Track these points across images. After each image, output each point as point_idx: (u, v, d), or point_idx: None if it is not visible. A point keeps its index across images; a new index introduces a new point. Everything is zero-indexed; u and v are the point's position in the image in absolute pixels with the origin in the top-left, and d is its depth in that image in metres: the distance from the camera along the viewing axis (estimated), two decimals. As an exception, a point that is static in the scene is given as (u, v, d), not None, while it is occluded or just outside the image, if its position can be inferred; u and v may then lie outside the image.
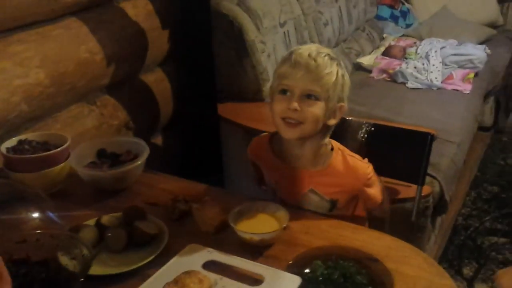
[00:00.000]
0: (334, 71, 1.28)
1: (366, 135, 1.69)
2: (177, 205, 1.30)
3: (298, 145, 1.35)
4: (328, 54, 1.29)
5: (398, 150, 1.71)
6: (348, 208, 1.44)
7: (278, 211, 1.26)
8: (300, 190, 1.39)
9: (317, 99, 1.27)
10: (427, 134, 1.69)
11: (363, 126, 1.69)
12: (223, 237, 1.22)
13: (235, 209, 1.24)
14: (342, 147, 1.40)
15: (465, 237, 2.68)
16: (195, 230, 1.26)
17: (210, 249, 1.16)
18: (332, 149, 1.37)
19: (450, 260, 2.53)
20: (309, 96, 1.27)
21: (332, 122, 1.33)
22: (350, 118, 1.71)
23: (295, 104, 1.26)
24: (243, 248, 1.18)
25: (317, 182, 1.37)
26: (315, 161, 1.37)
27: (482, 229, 2.74)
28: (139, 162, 1.42)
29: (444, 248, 2.59)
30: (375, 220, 1.53)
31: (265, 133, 1.49)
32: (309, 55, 1.27)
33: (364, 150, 1.52)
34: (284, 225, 1.21)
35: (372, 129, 1.69)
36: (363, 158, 1.41)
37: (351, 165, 1.36)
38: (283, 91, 1.29)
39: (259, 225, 1.22)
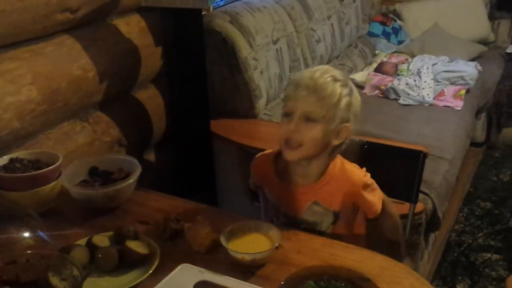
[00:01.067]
0: (336, 92, 1.27)
1: (359, 152, 1.69)
2: (168, 224, 1.29)
3: (303, 165, 1.37)
4: (333, 76, 1.29)
5: (391, 167, 1.71)
6: (349, 219, 1.44)
7: (270, 230, 1.25)
8: (304, 204, 1.40)
9: (316, 121, 1.28)
10: (420, 152, 1.70)
11: (357, 143, 1.69)
12: (215, 257, 1.22)
13: (227, 229, 1.24)
14: (345, 160, 1.42)
15: (458, 254, 2.68)
16: (186, 249, 1.25)
17: (201, 269, 1.16)
18: (332, 160, 1.39)
19: (443, 277, 2.52)
20: (308, 119, 1.28)
21: (336, 142, 1.34)
22: None
23: (292, 126, 1.28)
24: (235, 268, 1.17)
25: (320, 194, 1.38)
26: (316, 176, 1.38)
27: (475, 245, 2.74)
28: (131, 181, 1.42)
29: (438, 264, 2.58)
30: (390, 245, 1.51)
31: (269, 151, 1.49)
32: (311, 77, 1.27)
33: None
34: (276, 245, 1.21)
35: (365, 146, 1.69)
36: None
37: (347, 169, 1.38)
38: (286, 114, 1.31)
39: (251, 244, 1.22)
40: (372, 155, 1.68)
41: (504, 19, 4.20)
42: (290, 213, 1.43)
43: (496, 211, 3.02)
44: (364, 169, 1.42)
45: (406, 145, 1.87)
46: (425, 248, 2.30)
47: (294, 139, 1.29)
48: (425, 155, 1.69)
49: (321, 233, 1.40)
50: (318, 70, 1.30)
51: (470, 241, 2.77)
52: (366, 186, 1.39)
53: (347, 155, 1.56)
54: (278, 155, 1.43)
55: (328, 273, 1.14)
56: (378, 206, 1.42)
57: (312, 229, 1.41)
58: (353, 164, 1.42)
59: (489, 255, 2.66)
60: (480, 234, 2.82)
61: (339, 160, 1.40)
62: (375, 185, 1.42)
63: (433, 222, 2.22)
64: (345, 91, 1.30)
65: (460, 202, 3.08)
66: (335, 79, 1.29)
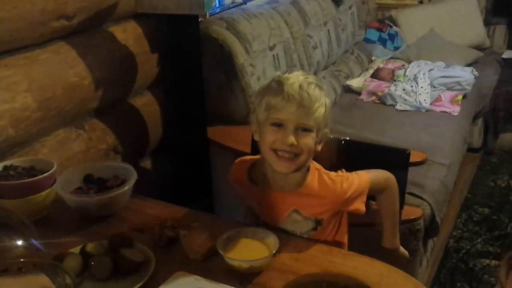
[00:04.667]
0: (323, 102, 1.28)
1: (337, 151, 1.63)
2: (164, 232, 1.28)
3: (285, 174, 1.32)
4: (317, 84, 1.29)
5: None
6: (331, 225, 1.41)
7: (267, 237, 1.24)
8: (283, 212, 1.37)
9: (310, 131, 1.27)
10: (403, 151, 1.63)
11: (333, 141, 1.62)
12: (211, 265, 1.20)
13: (223, 236, 1.22)
14: (319, 166, 1.38)
15: (457, 260, 2.66)
16: (182, 257, 1.23)
17: (197, 277, 1.14)
18: (308, 169, 1.36)
19: (442, 283, 2.50)
20: (303, 129, 1.26)
21: (319, 148, 1.33)
22: None
23: (292, 138, 1.25)
24: (231, 275, 1.16)
25: (299, 203, 1.36)
26: (295, 184, 1.36)
27: (474, 251, 2.72)
28: (126, 188, 1.41)
29: (436, 271, 2.57)
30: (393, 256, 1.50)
31: (246, 158, 1.47)
32: (301, 87, 1.25)
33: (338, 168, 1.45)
34: (274, 252, 1.20)
35: (343, 143, 1.63)
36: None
37: (327, 183, 1.34)
38: (276, 124, 1.27)
39: (248, 251, 1.20)
40: (352, 156, 1.62)
41: (499, 24, 4.21)
42: (270, 221, 1.40)
43: (494, 217, 3.01)
44: (343, 170, 1.38)
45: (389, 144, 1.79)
46: (423, 254, 2.29)
47: (292, 151, 1.26)
48: (409, 155, 1.61)
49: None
50: (301, 78, 1.28)
51: (468, 247, 2.75)
52: (346, 196, 1.34)
53: (326, 155, 1.50)
54: (254, 163, 1.42)
55: (327, 280, 1.13)
56: (362, 209, 1.37)
57: None
58: (331, 174, 1.37)
59: (487, 261, 2.64)
60: (479, 240, 2.81)
61: (317, 171, 1.36)
62: (359, 187, 1.35)
63: (431, 228, 2.21)
64: (328, 101, 1.31)
65: (458, 208, 3.06)
66: (320, 88, 1.29)
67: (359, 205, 1.37)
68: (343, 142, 1.63)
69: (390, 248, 1.51)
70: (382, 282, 1.13)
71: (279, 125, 1.26)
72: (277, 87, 1.27)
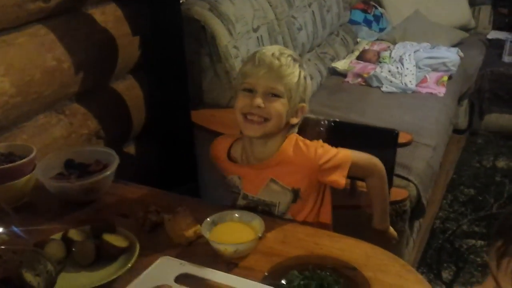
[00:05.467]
0: (296, 72, 1.32)
1: (326, 132, 1.62)
2: (148, 217, 1.26)
3: (260, 144, 1.36)
4: (291, 55, 1.34)
5: (364, 150, 1.63)
6: (311, 199, 1.41)
7: (253, 220, 1.22)
8: (262, 182, 1.39)
9: (280, 96, 1.30)
10: (392, 131, 1.64)
11: (322, 123, 1.61)
12: (196, 249, 1.19)
13: (208, 219, 1.20)
14: (297, 136, 1.40)
15: (443, 241, 2.67)
16: (167, 242, 1.21)
17: (182, 261, 1.12)
18: (285, 139, 1.38)
19: (429, 264, 2.51)
20: (272, 94, 1.29)
21: (294, 121, 1.36)
22: (308, 115, 1.61)
23: (259, 100, 1.28)
24: (217, 259, 1.14)
25: (275, 172, 1.37)
26: (272, 154, 1.37)
27: (460, 232, 2.74)
28: (109, 173, 1.38)
29: (423, 252, 2.58)
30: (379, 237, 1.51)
31: (227, 135, 1.50)
32: (273, 54, 1.30)
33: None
34: (260, 235, 1.18)
35: (332, 124, 1.62)
36: None
37: (301, 148, 1.35)
38: (247, 90, 1.31)
39: (233, 235, 1.19)
40: (340, 137, 1.57)
41: (484, 5, 4.21)
42: (250, 193, 1.41)
43: (480, 197, 3.02)
44: (320, 141, 1.38)
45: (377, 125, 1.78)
46: (410, 235, 2.29)
47: (260, 114, 1.29)
48: (397, 134, 1.62)
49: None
50: (276, 49, 1.33)
51: (454, 228, 2.76)
52: (324, 164, 1.33)
53: (315, 136, 1.49)
54: (236, 140, 1.44)
55: (313, 262, 1.12)
56: (341, 182, 1.36)
57: (270, 212, 1.39)
58: (307, 140, 1.38)
59: (473, 241, 2.66)
60: (465, 221, 2.82)
61: (294, 137, 1.38)
62: (337, 158, 1.35)
63: (417, 209, 2.21)
64: (303, 72, 1.34)
65: (444, 189, 3.07)
66: (294, 59, 1.33)
67: (338, 178, 1.35)
68: (332, 123, 1.63)
69: (380, 229, 1.52)
70: (368, 263, 1.12)
71: (250, 90, 1.30)
72: (251, 56, 1.34)
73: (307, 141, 1.37)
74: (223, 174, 1.48)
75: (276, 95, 1.29)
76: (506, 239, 0.79)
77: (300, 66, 1.34)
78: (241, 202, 1.43)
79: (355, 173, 1.42)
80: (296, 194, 1.38)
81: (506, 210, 0.98)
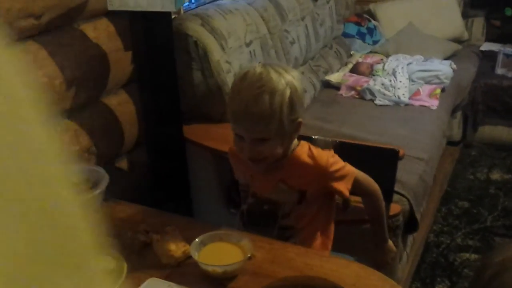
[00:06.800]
0: (277, 107, 1.27)
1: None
2: (137, 236, 1.25)
3: None
4: (270, 89, 1.27)
5: (365, 168, 1.69)
6: (316, 204, 1.43)
7: (241, 240, 1.21)
8: (271, 183, 1.41)
9: (267, 139, 1.30)
10: (393, 151, 1.68)
11: (330, 144, 1.67)
12: (185, 270, 1.18)
13: (197, 240, 1.20)
14: (309, 144, 1.43)
15: (437, 255, 2.67)
16: (156, 262, 1.20)
17: (171, 283, 1.12)
18: (297, 145, 1.41)
19: (423, 278, 2.51)
20: (261, 140, 1.30)
21: (294, 136, 1.38)
22: (316, 137, 1.69)
23: (248, 153, 1.31)
24: (205, 280, 1.14)
25: (285, 174, 1.39)
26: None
27: (454, 245, 2.73)
28: (98, 191, 1.37)
29: (417, 266, 2.57)
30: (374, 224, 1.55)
31: None
32: (247, 105, 1.26)
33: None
34: (249, 255, 1.17)
35: (338, 144, 1.68)
36: None
37: (314, 154, 1.38)
38: (238, 136, 1.33)
39: (222, 255, 1.18)
40: (346, 156, 1.66)
41: (477, 17, 4.22)
42: (259, 192, 1.44)
43: (474, 210, 3.02)
44: (332, 151, 1.43)
45: (380, 144, 1.86)
46: (403, 250, 2.28)
47: (255, 158, 1.32)
48: (398, 153, 1.67)
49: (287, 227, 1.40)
50: (255, 81, 1.28)
51: (448, 242, 2.76)
52: (332, 168, 1.38)
53: None
54: None
55: (302, 283, 1.11)
56: (346, 193, 1.41)
57: (275, 211, 1.41)
58: (322, 149, 1.42)
59: (467, 255, 2.65)
60: (459, 234, 2.82)
61: (306, 145, 1.42)
62: (344, 170, 1.40)
63: (411, 224, 2.20)
64: (285, 96, 1.28)
65: (438, 202, 3.07)
66: (272, 92, 1.26)
67: (343, 188, 1.39)
68: (338, 143, 1.68)
69: (379, 243, 1.57)
70: (358, 283, 1.12)
71: (241, 137, 1.32)
72: (234, 93, 1.33)
73: (319, 149, 1.41)
74: (236, 172, 1.53)
75: (265, 139, 1.30)
76: None
77: (281, 93, 1.27)
78: (250, 200, 1.47)
79: (354, 189, 1.45)
80: (302, 195, 1.40)
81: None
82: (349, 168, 1.42)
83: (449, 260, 2.62)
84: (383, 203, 1.52)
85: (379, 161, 1.71)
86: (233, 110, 1.31)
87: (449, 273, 2.53)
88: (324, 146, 1.69)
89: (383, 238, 1.57)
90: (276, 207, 1.42)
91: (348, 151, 1.68)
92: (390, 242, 1.60)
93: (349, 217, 1.90)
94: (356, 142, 1.87)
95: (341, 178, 1.39)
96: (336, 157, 1.41)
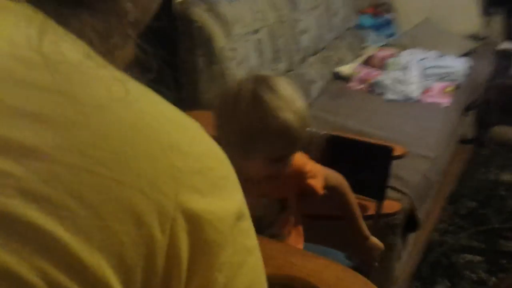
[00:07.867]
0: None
1: (323, 147, 1.64)
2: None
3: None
4: (302, 118, 1.22)
5: (360, 164, 1.65)
6: (298, 205, 1.41)
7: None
8: (254, 197, 1.34)
9: None
10: (386, 147, 1.63)
11: (321, 136, 1.64)
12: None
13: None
14: None
15: (440, 254, 2.61)
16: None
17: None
18: None
19: (423, 278, 2.45)
20: None
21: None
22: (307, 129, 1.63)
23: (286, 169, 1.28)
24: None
25: (265, 188, 1.34)
26: None
27: (458, 246, 2.67)
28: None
29: (418, 265, 2.52)
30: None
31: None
32: (301, 132, 1.23)
33: (324, 163, 1.47)
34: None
35: (331, 140, 1.64)
36: None
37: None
38: (278, 159, 1.27)
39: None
40: (337, 150, 1.65)
41: (497, 15, 4.11)
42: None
43: (481, 211, 2.95)
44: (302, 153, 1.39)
45: (377, 140, 1.81)
46: (402, 249, 2.23)
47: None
48: (392, 151, 1.61)
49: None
50: (297, 120, 1.20)
51: (452, 242, 2.70)
52: (308, 172, 1.36)
53: (312, 149, 1.51)
54: None
55: (281, 283, 1.07)
56: (320, 190, 1.39)
57: (259, 224, 1.35)
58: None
59: (470, 256, 2.59)
60: (464, 234, 2.75)
61: None
62: (315, 168, 1.39)
63: (411, 223, 2.15)
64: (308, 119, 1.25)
65: (445, 201, 3.00)
66: (302, 119, 1.21)
67: (317, 184, 1.38)
68: (327, 136, 1.65)
69: (359, 238, 1.52)
70: (338, 285, 1.07)
71: (284, 160, 1.27)
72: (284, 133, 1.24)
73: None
74: None
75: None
76: None
77: (307, 115, 1.24)
78: None
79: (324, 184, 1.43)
80: (283, 204, 1.36)
81: None
82: (315, 165, 1.40)
83: (451, 260, 2.56)
84: (351, 199, 1.48)
85: (372, 157, 1.66)
86: (284, 141, 1.21)
87: (450, 274, 2.47)
88: (316, 138, 1.65)
89: (361, 236, 1.52)
90: (258, 221, 1.38)
91: (341, 145, 1.66)
92: (374, 239, 1.54)
93: (326, 212, 1.87)
94: (349, 136, 1.83)
95: (315, 176, 1.38)
96: (304, 158, 1.38)
